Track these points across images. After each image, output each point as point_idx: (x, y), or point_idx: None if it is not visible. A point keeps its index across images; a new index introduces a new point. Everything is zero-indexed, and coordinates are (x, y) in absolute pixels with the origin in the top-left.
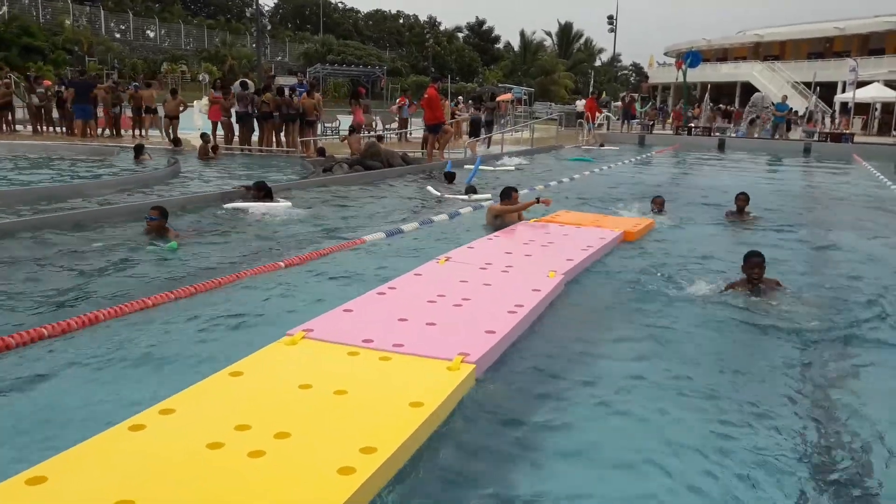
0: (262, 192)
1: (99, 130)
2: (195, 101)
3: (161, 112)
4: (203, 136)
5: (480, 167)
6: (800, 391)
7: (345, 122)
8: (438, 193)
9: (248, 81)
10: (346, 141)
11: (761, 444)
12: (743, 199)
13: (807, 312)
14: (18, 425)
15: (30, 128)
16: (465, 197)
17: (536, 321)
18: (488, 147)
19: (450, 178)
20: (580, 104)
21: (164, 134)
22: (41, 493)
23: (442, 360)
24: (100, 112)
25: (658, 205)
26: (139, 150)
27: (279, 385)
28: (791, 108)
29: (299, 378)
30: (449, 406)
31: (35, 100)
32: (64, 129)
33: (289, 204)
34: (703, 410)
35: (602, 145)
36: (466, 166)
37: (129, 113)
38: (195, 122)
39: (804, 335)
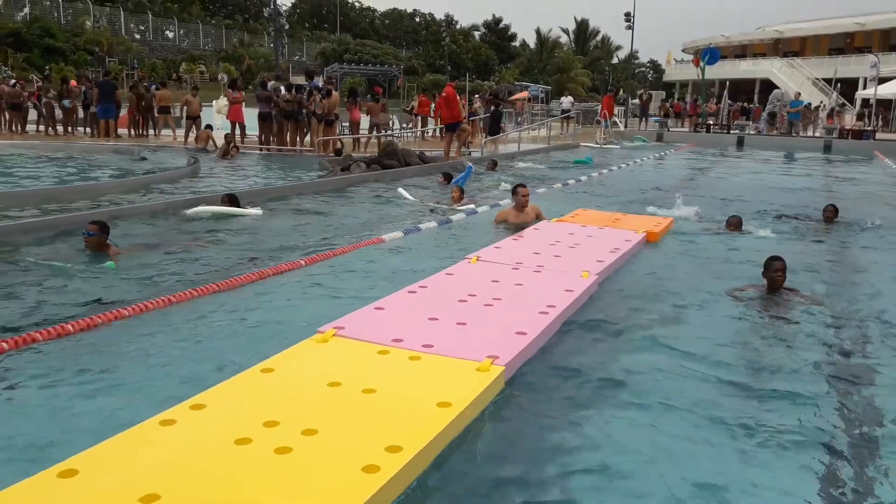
0: (234, 204)
1: (120, 130)
2: (214, 101)
3: (182, 112)
4: (226, 136)
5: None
6: (829, 402)
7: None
8: (412, 199)
9: (271, 81)
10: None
11: (785, 451)
12: (832, 210)
13: (831, 320)
14: (53, 418)
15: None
16: (446, 206)
17: (568, 322)
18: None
19: (447, 178)
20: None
21: (185, 135)
22: (72, 486)
23: (471, 362)
24: (123, 111)
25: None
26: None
27: (309, 382)
28: (804, 103)
29: (329, 376)
30: (477, 408)
31: (66, 103)
32: (88, 129)
33: (258, 212)
34: (737, 418)
35: (605, 144)
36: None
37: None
38: (214, 121)
39: (830, 343)
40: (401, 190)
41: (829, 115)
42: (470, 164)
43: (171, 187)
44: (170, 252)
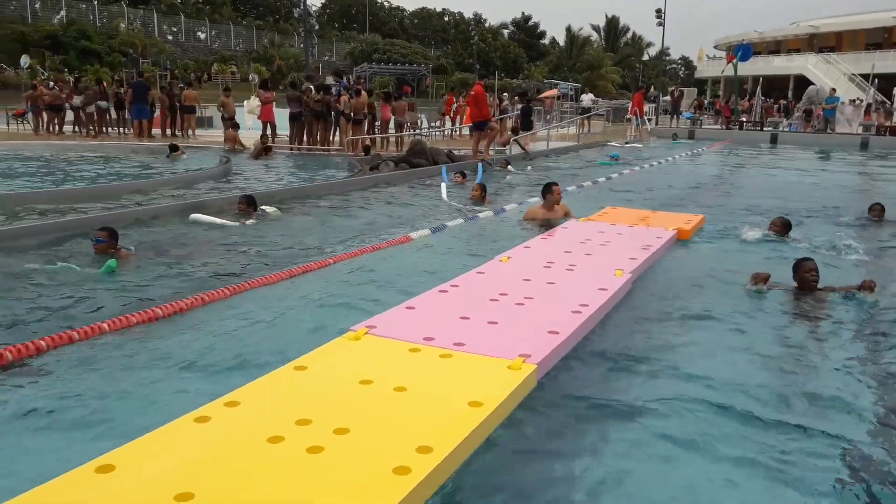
0: (252, 206)
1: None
2: (245, 102)
3: (221, 114)
4: (261, 137)
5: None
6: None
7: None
8: (447, 200)
9: (305, 82)
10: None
11: (822, 451)
12: (879, 209)
13: (873, 318)
14: (94, 413)
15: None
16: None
17: (602, 321)
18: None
19: (463, 176)
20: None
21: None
22: (109, 481)
23: (503, 360)
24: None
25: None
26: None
27: (341, 380)
28: (839, 100)
29: (361, 374)
30: (509, 407)
31: (104, 104)
32: (122, 129)
33: (252, 222)
34: (774, 420)
35: (627, 143)
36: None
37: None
38: (245, 121)
39: (866, 340)
40: (443, 185)
41: (867, 112)
42: (481, 162)
43: (201, 187)
44: (187, 256)
